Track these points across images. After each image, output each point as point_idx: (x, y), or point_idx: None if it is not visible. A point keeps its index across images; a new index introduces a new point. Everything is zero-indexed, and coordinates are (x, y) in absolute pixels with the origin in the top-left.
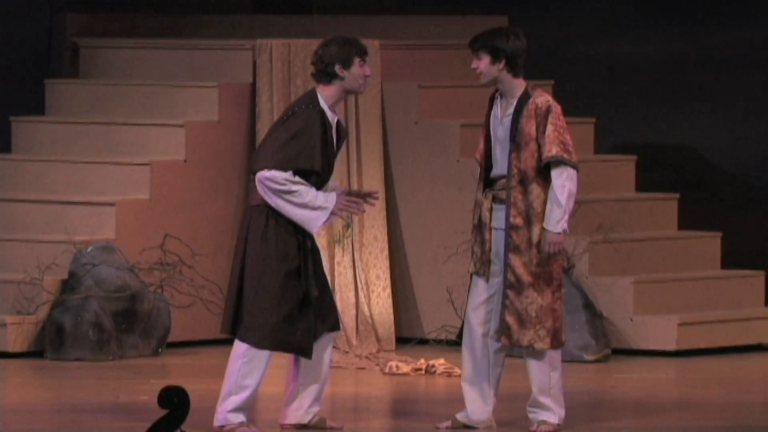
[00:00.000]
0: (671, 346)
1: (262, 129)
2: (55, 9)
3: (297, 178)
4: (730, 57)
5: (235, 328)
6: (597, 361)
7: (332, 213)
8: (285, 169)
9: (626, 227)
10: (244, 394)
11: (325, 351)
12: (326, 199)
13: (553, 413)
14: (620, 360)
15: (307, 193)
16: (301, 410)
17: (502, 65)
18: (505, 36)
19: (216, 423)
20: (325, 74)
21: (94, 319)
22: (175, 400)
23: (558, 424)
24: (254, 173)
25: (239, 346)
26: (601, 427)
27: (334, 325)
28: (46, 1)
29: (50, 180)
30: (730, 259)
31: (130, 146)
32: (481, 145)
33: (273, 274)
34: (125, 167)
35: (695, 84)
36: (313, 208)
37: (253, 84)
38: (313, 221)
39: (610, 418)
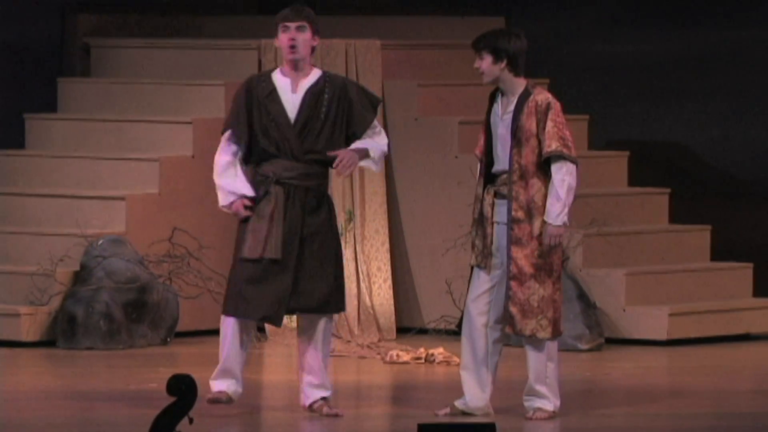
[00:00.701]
0: (662, 336)
1: None
2: (67, 10)
3: (225, 149)
4: (719, 56)
5: None
6: (591, 350)
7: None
8: (223, 130)
9: (619, 221)
10: (220, 362)
11: (315, 335)
12: (229, 191)
13: (548, 401)
14: (613, 349)
15: (220, 171)
16: (303, 394)
17: (503, 65)
18: (507, 37)
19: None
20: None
21: (105, 310)
22: (183, 388)
23: (553, 412)
24: None
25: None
26: (595, 413)
27: (316, 306)
28: (59, 2)
29: (62, 175)
30: (719, 252)
31: (139, 142)
32: (481, 142)
33: (237, 244)
34: (135, 163)
35: (686, 82)
36: (218, 187)
37: None
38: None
39: (603, 405)
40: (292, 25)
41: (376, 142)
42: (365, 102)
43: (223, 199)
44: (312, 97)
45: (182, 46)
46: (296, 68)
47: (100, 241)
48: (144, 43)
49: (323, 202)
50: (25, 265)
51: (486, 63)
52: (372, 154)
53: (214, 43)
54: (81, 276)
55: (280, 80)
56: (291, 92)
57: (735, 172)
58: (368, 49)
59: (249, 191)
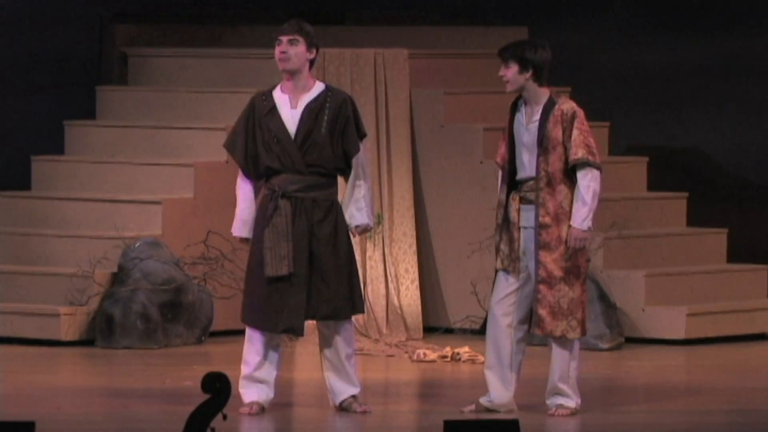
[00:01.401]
0: (680, 335)
1: None
2: (105, 21)
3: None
4: (735, 65)
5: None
6: (611, 349)
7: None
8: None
9: (638, 224)
10: (244, 368)
11: (334, 339)
12: (234, 226)
13: (571, 399)
14: (633, 348)
15: (240, 199)
16: (332, 393)
17: (529, 75)
18: (533, 47)
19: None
20: None
21: (142, 310)
22: (217, 386)
23: (575, 408)
24: None
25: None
26: (615, 410)
27: (332, 313)
28: (98, 13)
29: (101, 180)
30: (735, 254)
31: (175, 148)
32: (503, 150)
33: (252, 257)
34: (171, 168)
35: (703, 90)
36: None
37: None
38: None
39: (623, 402)
40: (285, 38)
41: (362, 190)
42: (357, 127)
43: (237, 230)
44: (311, 112)
45: (216, 56)
46: (295, 83)
47: (137, 244)
48: (179, 53)
49: (331, 211)
50: (64, 266)
51: (511, 72)
52: (367, 219)
53: (247, 52)
54: (119, 277)
55: (280, 97)
56: (290, 108)
57: (751, 177)
58: (396, 58)
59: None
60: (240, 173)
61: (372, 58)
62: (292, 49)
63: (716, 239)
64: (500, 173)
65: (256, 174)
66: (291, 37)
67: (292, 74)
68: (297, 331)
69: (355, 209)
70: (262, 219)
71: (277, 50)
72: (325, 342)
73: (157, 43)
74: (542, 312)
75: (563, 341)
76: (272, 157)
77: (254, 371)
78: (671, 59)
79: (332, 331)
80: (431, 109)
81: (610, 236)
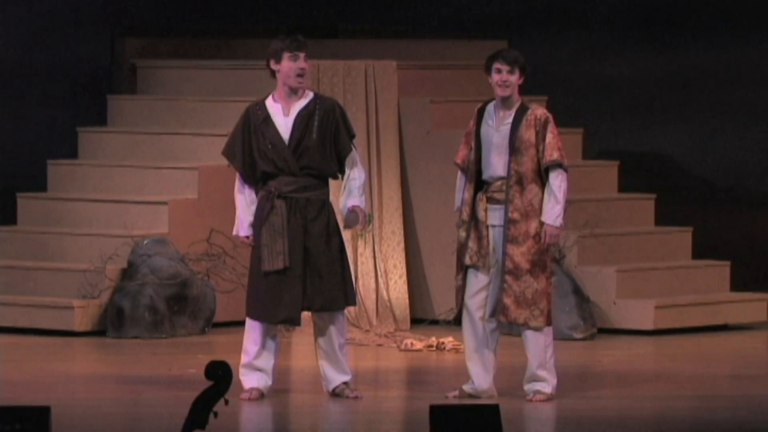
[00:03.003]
0: (649, 326)
1: None
2: (116, 34)
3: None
4: (700, 77)
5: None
6: (585, 339)
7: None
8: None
9: (610, 223)
10: (244, 356)
11: (332, 326)
12: (237, 226)
13: (547, 384)
14: (605, 338)
15: (239, 199)
16: (326, 380)
17: (521, 81)
18: (524, 58)
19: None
20: (270, 72)
21: (150, 303)
22: (219, 373)
23: (551, 393)
24: None
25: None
26: (588, 396)
27: (326, 305)
28: (109, 27)
29: (111, 182)
30: (699, 251)
31: (180, 153)
32: (464, 152)
33: (253, 255)
34: (176, 171)
35: (669, 99)
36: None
37: None
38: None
39: (595, 389)
40: (302, 54)
41: (357, 181)
42: (346, 129)
43: (237, 229)
44: (302, 119)
45: (219, 67)
46: (294, 93)
47: (145, 242)
48: (185, 64)
49: (323, 210)
50: (78, 262)
51: (515, 77)
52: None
53: (248, 64)
54: (128, 272)
55: (273, 106)
56: (283, 115)
57: (714, 179)
58: (385, 69)
59: (246, 232)
60: (238, 178)
61: (363, 69)
62: (306, 65)
63: (682, 237)
64: (460, 174)
65: (254, 178)
66: (306, 53)
67: (299, 88)
68: (294, 322)
69: (348, 195)
70: (260, 219)
71: (295, 66)
72: (320, 332)
73: (164, 55)
74: (507, 301)
75: (535, 330)
76: (268, 162)
77: (253, 360)
78: (640, 71)
79: (326, 322)
80: (418, 117)
81: (583, 234)
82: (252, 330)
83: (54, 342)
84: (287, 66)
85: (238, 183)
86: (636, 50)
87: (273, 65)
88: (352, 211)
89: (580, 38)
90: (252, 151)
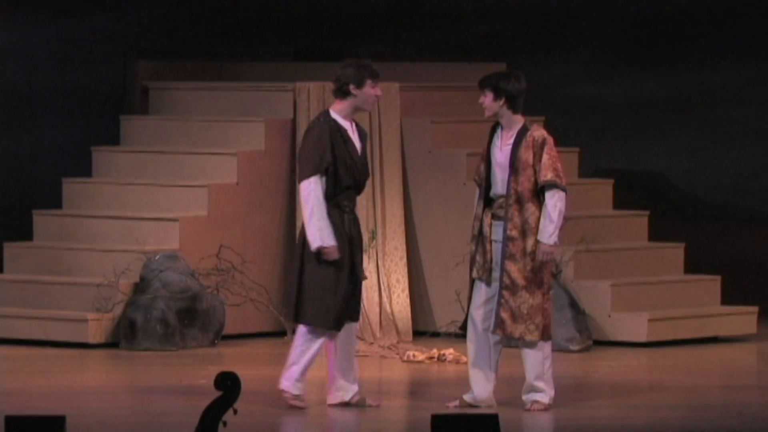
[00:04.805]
0: (642, 339)
1: None
2: (128, 57)
3: (318, 194)
4: (692, 97)
5: (297, 316)
6: (581, 351)
7: (316, 250)
8: (312, 174)
9: (605, 239)
10: (303, 366)
11: (352, 337)
12: (326, 236)
13: (545, 394)
14: (600, 350)
15: (323, 214)
16: (342, 391)
17: (502, 102)
18: (507, 78)
19: (281, 386)
20: (340, 91)
21: (161, 316)
22: (228, 384)
23: (548, 403)
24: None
25: (301, 328)
26: (584, 405)
27: (356, 315)
28: (122, 51)
29: (124, 200)
30: (691, 266)
31: (191, 171)
32: (481, 169)
33: (323, 268)
34: (187, 189)
35: (663, 120)
36: (313, 232)
37: (294, 119)
38: (309, 239)
39: (591, 398)
40: (378, 82)
41: None
42: None
43: (329, 240)
44: (362, 140)
45: (228, 89)
46: (353, 115)
47: (157, 257)
48: (195, 86)
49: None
50: (92, 277)
51: (488, 99)
52: None
53: (255, 86)
54: (140, 287)
55: (344, 123)
56: (351, 132)
57: (705, 197)
58: (388, 90)
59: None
60: (319, 191)
61: None
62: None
63: (674, 253)
64: (478, 190)
65: (332, 192)
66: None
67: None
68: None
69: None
70: (335, 231)
71: (374, 93)
72: (344, 343)
73: (175, 77)
74: (504, 315)
75: (528, 344)
76: (349, 176)
77: (305, 368)
78: (634, 92)
79: (351, 332)
80: (420, 137)
81: (579, 250)
82: (325, 342)
83: (69, 354)
84: (369, 92)
85: (318, 193)
86: (630, 72)
87: (353, 89)
88: None
89: (576, 60)
90: (337, 166)
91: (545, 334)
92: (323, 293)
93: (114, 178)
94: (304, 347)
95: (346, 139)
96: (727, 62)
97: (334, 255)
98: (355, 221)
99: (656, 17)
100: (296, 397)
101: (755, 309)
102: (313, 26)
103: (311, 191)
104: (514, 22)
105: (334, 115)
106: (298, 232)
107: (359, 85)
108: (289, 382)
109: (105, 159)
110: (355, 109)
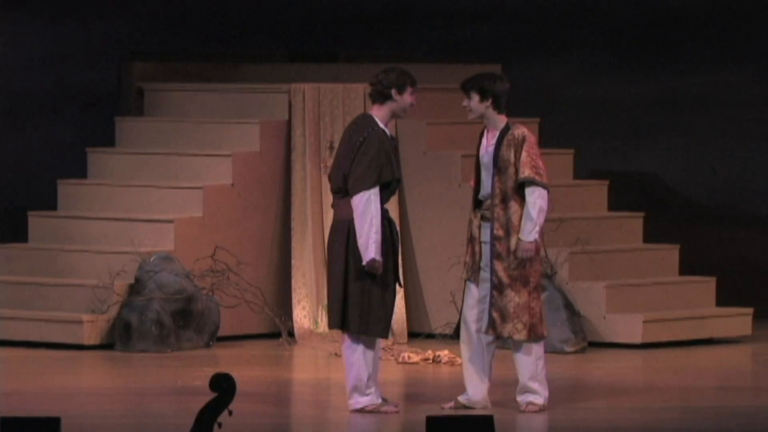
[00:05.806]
0: (637, 340)
1: (297, 159)
2: (124, 59)
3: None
4: (687, 99)
5: (343, 323)
6: (576, 352)
7: (367, 263)
8: (373, 186)
9: (600, 240)
10: (366, 377)
11: (379, 344)
12: (379, 251)
13: (539, 396)
14: (595, 351)
15: (375, 230)
16: (373, 395)
17: (489, 103)
18: (491, 79)
19: (357, 406)
20: (381, 95)
21: (156, 317)
22: (223, 385)
23: (543, 404)
24: (351, 195)
25: (356, 339)
26: (579, 407)
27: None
28: (117, 52)
29: (119, 201)
30: (686, 267)
31: (186, 173)
32: (475, 172)
33: (370, 276)
34: (182, 190)
35: (658, 121)
36: (369, 245)
37: (289, 121)
38: (364, 251)
39: (586, 400)
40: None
41: None
42: None
43: (380, 254)
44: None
45: (223, 90)
46: (391, 120)
47: (152, 258)
48: (190, 87)
49: None
50: (87, 278)
51: (474, 102)
52: None
53: (251, 87)
54: (135, 288)
55: (386, 129)
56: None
57: (700, 198)
58: None
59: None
60: (378, 204)
61: (362, 92)
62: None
63: (669, 254)
64: (473, 194)
65: (382, 201)
66: None
67: None
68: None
69: None
70: (383, 239)
71: (412, 100)
72: (378, 349)
73: (170, 78)
74: (494, 315)
75: (520, 346)
76: (395, 185)
77: (372, 375)
78: (629, 93)
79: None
80: (415, 138)
81: (574, 251)
82: (370, 349)
83: (64, 355)
84: (408, 99)
85: (377, 205)
86: (625, 73)
87: (394, 94)
88: None
89: (571, 62)
90: (394, 174)
91: (533, 334)
92: (375, 302)
93: (109, 179)
94: (353, 359)
95: (395, 148)
96: (722, 64)
97: (381, 270)
98: (394, 225)
99: (651, 19)
100: (383, 404)
101: (750, 310)
102: (308, 28)
103: (371, 203)
104: (509, 23)
105: (378, 122)
106: (300, 234)
107: (401, 90)
108: (365, 398)
109: (100, 160)
110: (392, 115)
